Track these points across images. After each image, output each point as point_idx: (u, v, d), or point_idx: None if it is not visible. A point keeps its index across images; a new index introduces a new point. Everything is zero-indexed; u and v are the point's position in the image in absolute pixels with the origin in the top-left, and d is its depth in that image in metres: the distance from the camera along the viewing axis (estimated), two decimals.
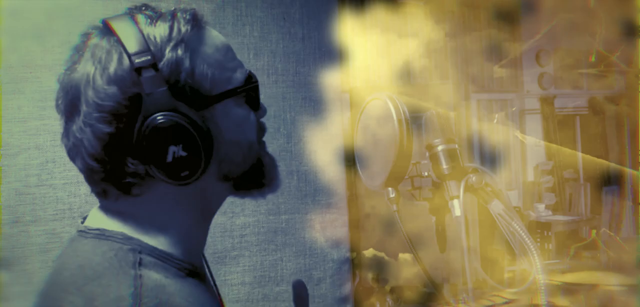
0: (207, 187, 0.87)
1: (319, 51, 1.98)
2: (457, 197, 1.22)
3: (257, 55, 1.90)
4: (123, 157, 0.80)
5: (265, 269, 1.91)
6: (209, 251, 1.82)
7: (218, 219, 1.84)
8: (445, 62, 2.78)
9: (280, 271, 1.92)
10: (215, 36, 0.88)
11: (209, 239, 1.58)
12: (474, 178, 1.25)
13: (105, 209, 0.86)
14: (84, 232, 0.85)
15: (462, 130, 2.77)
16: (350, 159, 2.01)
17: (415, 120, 1.32)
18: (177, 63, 0.80)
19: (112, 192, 0.83)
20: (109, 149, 0.79)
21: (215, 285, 1.02)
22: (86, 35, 0.84)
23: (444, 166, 1.27)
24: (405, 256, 2.44)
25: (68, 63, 0.83)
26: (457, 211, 1.21)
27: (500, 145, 2.88)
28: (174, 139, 0.78)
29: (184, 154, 0.79)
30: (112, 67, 0.78)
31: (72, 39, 1.75)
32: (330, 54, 1.99)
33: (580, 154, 3.04)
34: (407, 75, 2.68)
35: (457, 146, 1.29)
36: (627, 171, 3.03)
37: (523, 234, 1.20)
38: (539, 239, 2.68)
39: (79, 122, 0.80)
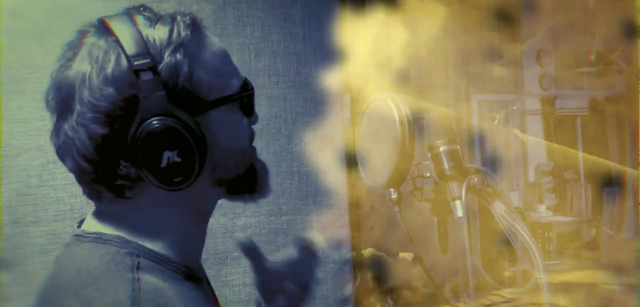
0: (200, 191, 0.86)
1: (320, 52, 1.98)
2: (459, 198, 1.22)
3: (258, 56, 1.90)
4: (115, 159, 0.79)
5: None
6: (210, 252, 1.81)
7: (219, 220, 1.84)
8: (446, 62, 2.78)
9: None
10: (213, 42, 0.87)
11: (210, 240, 1.59)
12: (475, 179, 1.25)
13: (101, 212, 0.86)
14: (80, 236, 0.84)
15: (463, 131, 2.77)
16: (352, 160, 2.01)
17: (417, 121, 1.32)
18: (175, 67, 0.79)
19: (105, 194, 0.82)
20: (102, 150, 0.78)
21: (212, 289, 1.01)
22: (82, 33, 0.82)
23: (446, 167, 1.27)
24: (404, 255, 2.44)
25: (61, 59, 0.81)
26: (460, 212, 1.21)
27: (501, 146, 2.88)
28: (169, 144, 0.78)
29: (178, 159, 0.78)
30: (110, 68, 0.77)
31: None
32: (331, 54, 1.99)
33: (581, 155, 3.04)
34: (408, 76, 2.68)
35: (458, 147, 1.29)
36: (628, 171, 3.03)
37: (525, 234, 1.20)
38: (539, 240, 2.68)
39: (71, 121, 0.78)
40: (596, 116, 3.12)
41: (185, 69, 0.80)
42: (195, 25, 0.85)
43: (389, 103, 1.32)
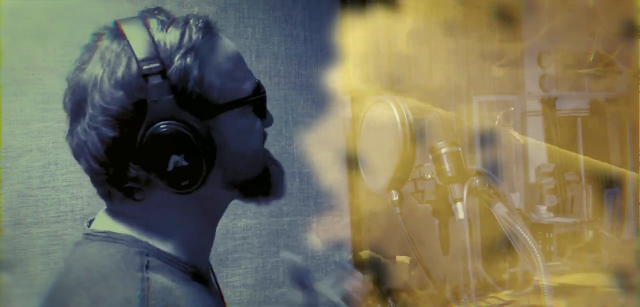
0: (211, 193, 0.86)
1: (321, 53, 1.99)
2: (461, 200, 1.22)
3: (259, 57, 1.90)
4: (125, 162, 0.80)
5: (267, 271, 1.90)
6: (211, 253, 1.81)
7: (220, 221, 1.84)
8: (447, 63, 2.78)
9: (282, 273, 1.92)
10: (226, 45, 0.87)
11: None
12: (477, 181, 1.25)
13: (112, 212, 0.86)
14: (90, 235, 0.85)
15: (464, 133, 2.77)
16: (353, 162, 2.01)
17: (418, 123, 1.32)
18: (185, 71, 0.80)
19: (116, 195, 0.83)
20: (113, 153, 0.79)
21: (220, 290, 1.02)
22: (98, 36, 0.83)
23: (448, 169, 1.26)
24: (402, 259, 2.44)
25: (78, 62, 0.82)
26: (461, 214, 1.21)
27: (502, 147, 2.87)
28: (176, 148, 0.78)
29: (185, 163, 0.79)
30: (120, 71, 0.78)
31: (74, 40, 1.74)
32: (332, 56, 1.99)
33: (581, 156, 3.03)
34: (408, 77, 2.68)
35: (460, 149, 1.29)
36: (629, 172, 3.03)
37: (526, 236, 1.20)
38: (540, 241, 2.68)
39: (83, 124, 0.79)
40: (597, 117, 3.12)
41: (195, 73, 0.81)
42: (208, 28, 0.85)
43: (390, 105, 1.32)
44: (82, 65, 0.81)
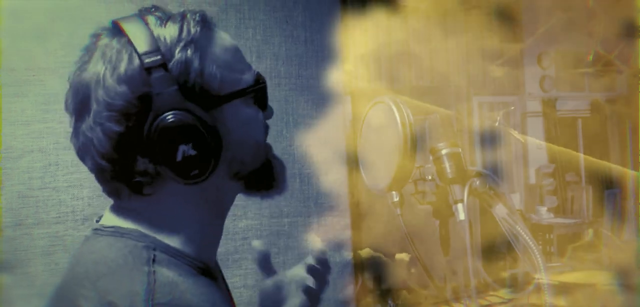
0: (218, 185, 0.88)
1: (322, 54, 1.99)
2: (461, 201, 1.22)
3: (259, 58, 1.90)
4: (133, 156, 0.81)
5: None
6: None
7: None
8: (447, 64, 2.78)
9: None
10: (224, 38, 0.89)
11: None
12: (477, 182, 1.25)
13: (119, 207, 0.87)
14: (99, 230, 0.86)
15: (465, 134, 2.77)
16: (353, 162, 2.01)
17: (418, 124, 1.32)
18: (186, 63, 0.81)
19: (124, 191, 0.84)
20: (119, 148, 0.80)
21: (227, 286, 1.02)
22: (96, 36, 0.84)
23: (448, 170, 1.26)
24: (401, 256, 2.44)
25: (78, 63, 0.84)
26: (462, 215, 1.21)
27: (502, 148, 2.88)
28: (183, 138, 0.79)
29: (193, 153, 0.80)
30: (123, 67, 0.79)
31: (75, 41, 1.74)
32: (333, 56, 2.00)
33: (582, 157, 3.03)
34: (409, 78, 2.68)
35: (460, 150, 1.29)
36: (629, 172, 3.03)
37: (526, 237, 1.20)
38: (540, 242, 2.68)
39: (89, 121, 0.80)
40: (597, 118, 3.12)
41: (196, 64, 0.82)
42: (205, 22, 0.86)
43: (391, 105, 1.32)
44: (82, 65, 0.83)
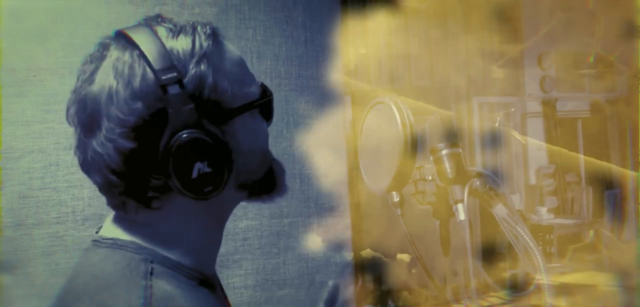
0: (224, 197, 0.86)
1: (322, 54, 1.99)
2: (462, 201, 1.22)
3: (260, 58, 1.90)
4: (146, 172, 0.80)
5: (268, 272, 1.90)
6: None
7: None
8: (447, 64, 2.78)
9: (283, 275, 1.92)
10: (231, 50, 0.88)
11: None
12: (477, 182, 1.25)
13: (120, 219, 0.86)
14: (98, 242, 0.85)
15: (465, 134, 2.77)
16: (353, 163, 2.01)
17: (419, 124, 1.32)
18: (201, 79, 0.80)
19: (131, 205, 0.83)
20: (131, 164, 0.79)
21: (225, 295, 1.02)
22: (104, 46, 0.82)
23: (448, 170, 1.26)
24: (402, 257, 2.44)
25: (83, 73, 0.81)
26: (462, 215, 1.21)
27: (502, 149, 2.88)
28: (199, 156, 0.79)
29: (208, 170, 0.79)
30: (137, 82, 0.77)
31: (75, 41, 1.75)
32: (333, 57, 2.00)
33: (582, 157, 3.03)
34: (409, 78, 2.68)
35: (461, 150, 1.29)
36: (629, 173, 3.03)
37: (527, 237, 1.20)
38: (540, 243, 2.68)
39: (100, 137, 0.78)
40: (597, 118, 3.12)
41: (209, 79, 0.81)
42: (215, 35, 0.85)
43: (391, 106, 1.32)
44: (90, 77, 0.80)
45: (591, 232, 2.80)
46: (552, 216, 2.82)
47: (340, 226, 2.01)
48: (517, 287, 2.28)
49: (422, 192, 1.36)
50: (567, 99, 3.08)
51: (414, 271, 2.43)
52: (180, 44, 0.81)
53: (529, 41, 2.97)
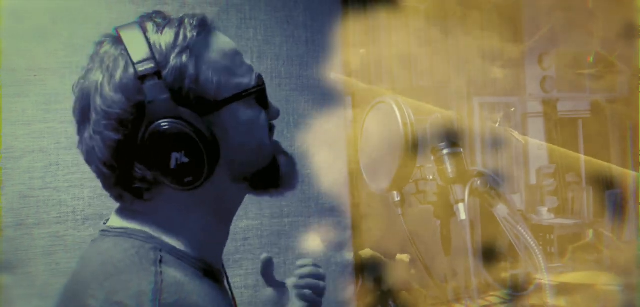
0: (220, 189, 0.88)
1: (323, 54, 1.99)
2: (463, 201, 1.22)
3: (260, 58, 1.90)
4: (131, 164, 0.81)
5: None
6: None
7: None
8: (448, 64, 2.78)
9: (284, 275, 1.92)
10: (222, 41, 0.88)
11: None
12: (478, 182, 1.24)
13: (125, 210, 0.88)
14: (106, 232, 0.87)
15: (466, 134, 2.77)
16: (354, 162, 2.01)
17: (419, 124, 1.32)
18: (180, 70, 0.81)
19: (126, 196, 0.85)
20: (118, 155, 0.81)
21: (232, 293, 1.02)
22: (100, 44, 0.85)
23: (449, 170, 1.26)
24: (402, 257, 2.44)
25: (83, 71, 0.85)
26: (463, 215, 1.21)
27: (503, 148, 2.88)
28: (175, 146, 0.79)
29: (186, 160, 0.80)
30: (118, 75, 0.80)
31: (76, 41, 1.75)
32: (334, 57, 2.00)
33: (582, 157, 3.03)
34: (410, 78, 2.68)
35: (462, 150, 1.29)
36: (630, 173, 3.02)
37: (528, 237, 1.20)
38: (541, 243, 2.68)
39: (89, 130, 0.82)
40: (598, 118, 3.12)
41: (191, 71, 0.82)
42: (203, 26, 0.86)
43: (392, 105, 1.32)
44: (86, 74, 0.83)
45: (591, 232, 2.80)
46: (552, 215, 2.82)
47: (341, 226, 2.01)
48: (517, 287, 2.28)
49: (423, 192, 1.36)
50: (567, 99, 3.08)
51: (413, 271, 2.43)
52: (164, 38, 0.83)
53: (529, 41, 2.97)
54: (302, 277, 1.28)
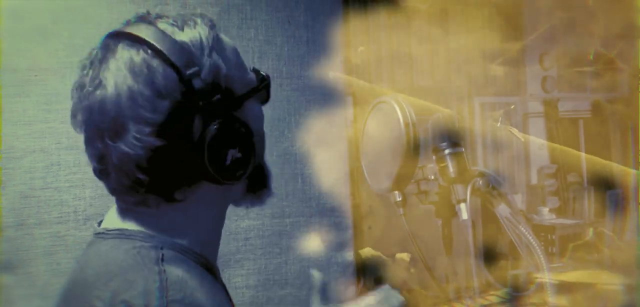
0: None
1: (324, 54, 1.99)
2: (464, 200, 1.22)
3: (261, 58, 1.90)
4: (176, 167, 0.81)
5: (270, 272, 1.90)
6: None
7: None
8: (448, 64, 2.78)
9: (285, 274, 1.92)
10: (227, 40, 0.90)
11: None
12: (480, 182, 1.25)
13: (123, 210, 0.87)
14: (102, 234, 0.86)
15: (467, 134, 2.77)
16: (355, 162, 2.01)
17: (421, 123, 1.32)
18: (215, 69, 0.82)
19: (153, 200, 0.83)
20: (160, 160, 0.79)
21: (225, 288, 1.02)
22: (105, 48, 0.81)
23: (451, 170, 1.26)
24: (402, 256, 2.44)
25: (86, 77, 0.81)
26: (464, 215, 1.21)
27: (504, 148, 2.87)
28: (231, 143, 0.81)
29: (239, 155, 0.83)
30: (159, 80, 0.78)
31: (77, 41, 1.75)
32: (335, 57, 2.00)
33: (584, 157, 3.03)
34: (411, 78, 2.68)
35: (463, 149, 1.29)
36: (631, 173, 3.02)
37: (530, 237, 1.20)
38: (542, 243, 2.68)
39: (129, 139, 0.78)
40: (599, 118, 3.12)
41: (223, 69, 0.83)
42: (213, 27, 0.87)
43: (393, 105, 1.32)
44: (98, 81, 0.79)
45: (592, 232, 2.80)
46: (553, 216, 2.82)
47: (342, 226, 2.01)
48: (518, 287, 2.28)
49: (424, 192, 1.36)
50: (568, 98, 3.07)
51: (413, 270, 2.43)
52: (188, 37, 0.82)
53: (529, 41, 2.97)
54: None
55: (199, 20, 0.85)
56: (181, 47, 0.80)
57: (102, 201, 1.67)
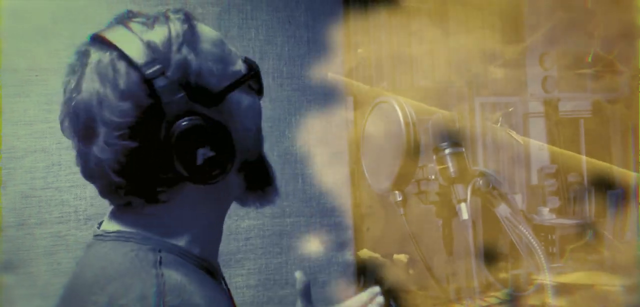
0: (228, 181, 0.87)
1: (324, 54, 1.99)
2: (465, 200, 1.22)
3: (262, 58, 1.90)
4: (151, 168, 0.79)
5: (270, 272, 1.90)
6: None
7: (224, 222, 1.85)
8: (449, 64, 2.78)
9: (285, 274, 1.92)
10: (208, 31, 0.87)
11: None
12: (480, 182, 1.25)
13: (122, 212, 0.86)
14: (101, 236, 0.85)
15: (467, 134, 2.77)
16: (355, 162, 2.01)
17: (421, 123, 1.32)
18: (184, 65, 0.80)
19: (137, 202, 0.83)
20: (135, 162, 0.78)
21: (229, 291, 1.02)
22: (82, 53, 0.81)
23: (451, 170, 1.26)
24: (399, 257, 2.44)
25: (69, 84, 0.81)
26: (465, 215, 1.21)
27: (504, 148, 2.87)
28: (199, 142, 0.78)
29: (212, 154, 0.79)
30: (122, 82, 0.77)
31: (77, 42, 1.74)
32: (335, 57, 2.00)
33: (584, 157, 3.03)
34: (411, 78, 2.68)
35: (464, 149, 1.29)
36: (632, 173, 3.02)
37: (530, 237, 1.20)
38: (542, 243, 2.68)
39: (100, 143, 0.78)
40: (599, 119, 3.12)
41: (193, 64, 0.81)
42: (188, 19, 0.84)
43: (394, 105, 1.33)
44: (75, 87, 0.79)
45: (592, 232, 2.80)
46: (554, 216, 2.82)
47: (342, 226, 2.01)
48: (519, 287, 2.28)
49: (424, 192, 1.36)
50: (569, 99, 3.07)
51: (411, 271, 2.43)
52: (157, 35, 0.80)
53: (530, 41, 2.97)
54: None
55: (172, 15, 0.83)
56: (147, 46, 0.78)
57: (102, 200, 1.66)
